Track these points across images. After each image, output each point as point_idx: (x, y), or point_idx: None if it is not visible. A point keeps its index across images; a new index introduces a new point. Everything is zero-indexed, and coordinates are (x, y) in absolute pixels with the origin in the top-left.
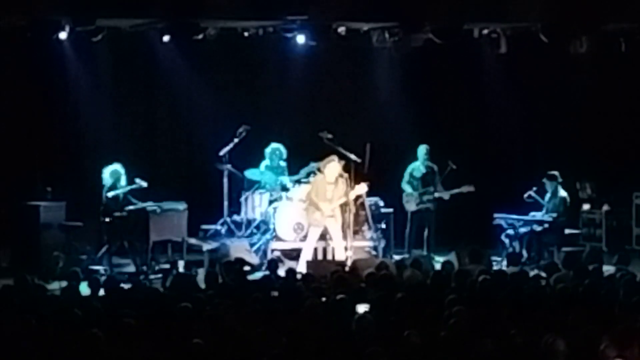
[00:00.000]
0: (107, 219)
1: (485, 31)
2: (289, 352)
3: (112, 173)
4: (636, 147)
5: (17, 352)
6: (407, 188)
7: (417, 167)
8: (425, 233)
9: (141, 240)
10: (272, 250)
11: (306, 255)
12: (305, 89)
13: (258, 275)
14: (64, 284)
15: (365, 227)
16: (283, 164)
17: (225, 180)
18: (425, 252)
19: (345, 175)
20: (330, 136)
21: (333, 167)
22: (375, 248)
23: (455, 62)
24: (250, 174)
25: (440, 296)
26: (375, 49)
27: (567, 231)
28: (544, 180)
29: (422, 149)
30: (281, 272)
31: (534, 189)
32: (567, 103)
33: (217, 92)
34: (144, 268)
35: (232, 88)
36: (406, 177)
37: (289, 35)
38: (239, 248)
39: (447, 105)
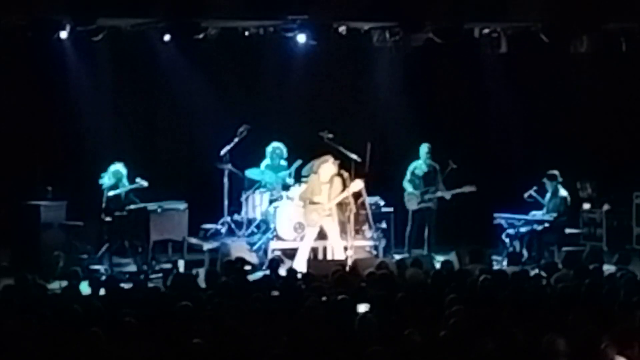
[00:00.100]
0: (108, 219)
1: (486, 31)
2: (289, 352)
3: (115, 173)
4: (636, 147)
5: (17, 352)
6: (408, 187)
7: (419, 165)
8: (426, 232)
9: (142, 239)
10: (273, 250)
11: (303, 255)
12: (306, 88)
13: (259, 274)
14: (65, 283)
15: (365, 227)
16: (284, 163)
17: (226, 179)
18: (425, 252)
19: (346, 174)
20: (330, 136)
21: (327, 167)
22: (375, 247)
23: (456, 62)
24: (250, 173)
25: (440, 296)
26: (376, 48)
27: (567, 231)
28: (544, 179)
29: (424, 148)
30: (282, 271)
31: (535, 188)
32: (567, 103)
33: (217, 92)
34: (145, 267)
35: (233, 88)
36: (408, 175)
37: (290, 34)
38: (240, 247)
39: (447, 105)
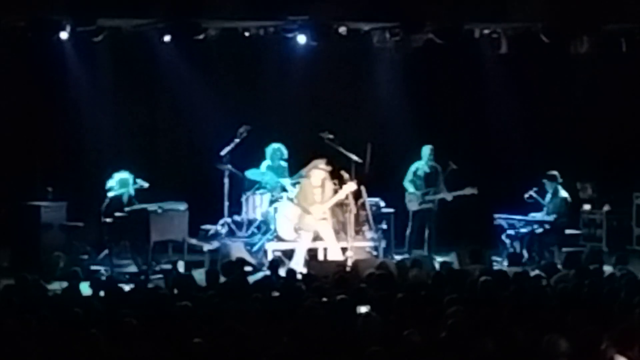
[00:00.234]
0: (108, 219)
1: (486, 31)
2: (289, 352)
3: (122, 182)
4: (636, 147)
5: (17, 352)
6: (409, 187)
7: (422, 166)
8: (426, 233)
9: (142, 240)
10: (273, 251)
11: (300, 257)
12: (306, 89)
13: (259, 275)
14: (65, 284)
15: (365, 228)
16: (284, 164)
17: (226, 180)
18: (426, 253)
19: (346, 174)
20: (331, 136)
21: (317, 171)
22: (375, 248)
23: (456, 63)
24: (251, 174)
25: (440, 296)
26: (376, 49)
27: (567, 231)
28: (544, 180)
29: (426, 149)
30: (282, 272)
31: (535, 189)
32: (567, 103)
33: (217, 92)
34: (145, 268)
35: (233, 88)
36: (409, 175)
37: (290, 35)
38: (240, 248)
39: (447, 106)
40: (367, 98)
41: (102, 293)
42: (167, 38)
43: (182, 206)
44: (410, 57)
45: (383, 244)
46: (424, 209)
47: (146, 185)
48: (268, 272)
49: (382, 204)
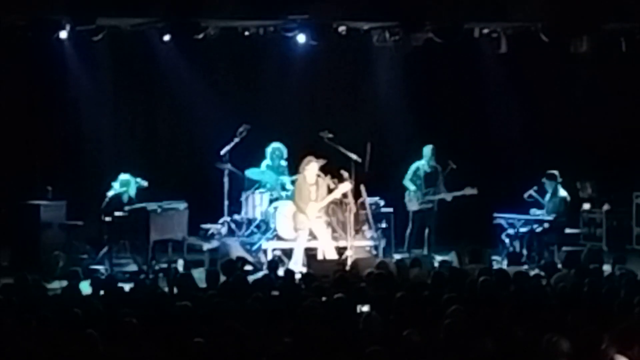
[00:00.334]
0: (108, 218)
1: (486, 31)
2: (289, 352)
3: (122, 182)
4: (636, 147)
5: (17, 352)
6: (409, 185)
7: (422, 166)
8: (426, 233)
9: (142, 239)
10: (273, 250)
11: (297, 256)
12: (306, 88)
13: (259, 274)
14: (64, 283)
15: (365, 227)
16: (284, 163)
17: (226, 179)
18: (425, 252)
19: (346, 173)
20: (330, 136)
21: (311, 167)
22: (375, 247)
23: (456, 62)
24: (250, 173)
25: (440, 296)
26: (376, 48)
27: (567, 231)
28: (544, 179)
29: (428, 149)
30: (281, 271)
31: (534, 188)
32: (567, 103)
33: (217, 92)
34: (145, 267)
35: (233, 87)
36: (410, 174)
37: (290, 34)
38: (240, 247)
39: (447, 105)
40: (367, 97)
41: (101, 292)
42: (166, 37)
43: (182, 205)
44: (410, 56)
45: (383, 243)
46: (424, 209)
47: (146, 184)
48: (268, 272)
49: (382, 203)
